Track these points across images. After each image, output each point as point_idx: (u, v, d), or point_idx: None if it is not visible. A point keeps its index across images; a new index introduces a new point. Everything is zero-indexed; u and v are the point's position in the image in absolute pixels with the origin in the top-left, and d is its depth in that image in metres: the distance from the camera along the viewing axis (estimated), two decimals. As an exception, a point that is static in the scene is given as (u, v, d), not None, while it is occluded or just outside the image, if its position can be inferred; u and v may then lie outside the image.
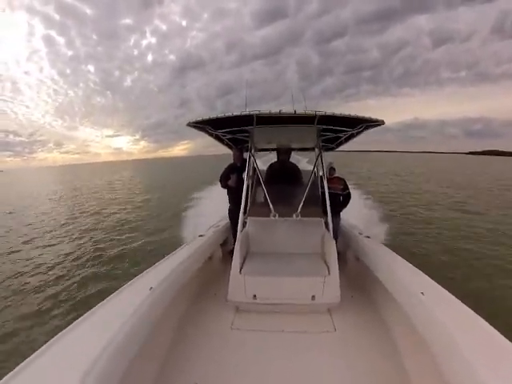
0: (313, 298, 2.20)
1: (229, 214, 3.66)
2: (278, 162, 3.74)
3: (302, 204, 2.71)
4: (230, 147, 3.69)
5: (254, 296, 2.26)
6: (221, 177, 3.55)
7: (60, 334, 1.24)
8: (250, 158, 3.13)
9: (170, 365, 1.73)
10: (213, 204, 7.95)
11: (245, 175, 3.04)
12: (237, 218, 3.02)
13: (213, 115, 2.21)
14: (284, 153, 3.67)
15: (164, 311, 1.77)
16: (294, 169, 3.68)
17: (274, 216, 2.69)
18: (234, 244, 3.55)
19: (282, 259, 2.60)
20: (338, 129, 2.77)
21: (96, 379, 0.99)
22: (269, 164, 3.79)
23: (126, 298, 1.61)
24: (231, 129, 2.89)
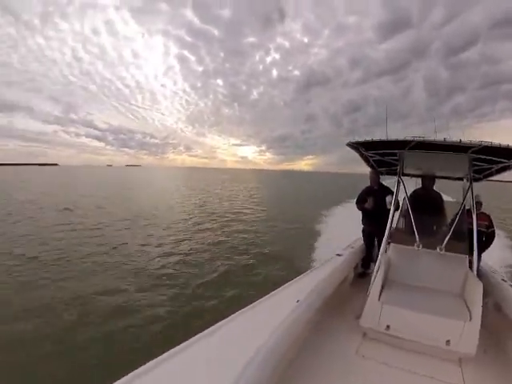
0: (447, 342, 1.99)
1: (363, 235, 3.65)
2: (422, 189, 3.58)
3: (447, 238, 2.57)
4: (373, 168, 3.69)
5: (388, 326, 2.13)
6: (357, 199, 3.61)
7: (209, 329, 1.32)
8: (398, 182, 3.11)
9: (293, 378, 1.67)
10: (344, 222, 8.79)
11: (390, 198, 3.07)
12: (371, 239, 3.18)
13: (368, 138, 2.41)
14: (429, 180, 3.53)
15: (305, 326, 1.77)
16: (438, 198, 3.51)
17: (418, 246, 2.58)
18: (363, 266, 3.60)
19: (421, 293, 2.46)
20: (492, 159, 2.59)
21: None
22: (412, 190, 3.66)
23: (274, 306, 1.75)
24: (382, 151, 2.90)
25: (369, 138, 2.41)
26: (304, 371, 1.79)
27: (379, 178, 3.60)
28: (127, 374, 0.97)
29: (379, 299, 2.25)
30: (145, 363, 1.03)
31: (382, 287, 2.42)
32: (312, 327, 2.16)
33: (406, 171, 3.69)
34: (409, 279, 2.69)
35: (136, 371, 0.99)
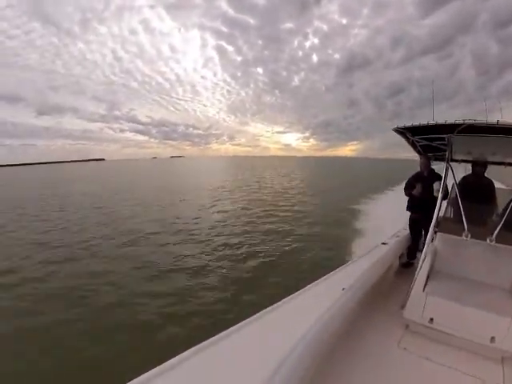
0: (492, 339, 1.90)
1: (409, 223, 3.58)
2: (472, 176, 3.37)
3: (499, 228, 2.39)
4: (420, 154, 3.56)
5: (431, 319, 2.08)
6: (406, 185, 3.52)
7: (255, 315, 1.37)
8: (446, 168, 2.95)
9: (333, 365, 1.71)
10: (390, 209, 8.85)
11: (438, 185, 2.94)
12: (417, 228, 3.13)
13: (416, 123, 2.33)
14: (480, 165, 3.30)
15: (349, 314, 1.80)
16: (490, 185, 3.27)
17: (467, 236, 2.44)
18: (409, 256, 3.52)
19: (468, 286, 2.35)
20: None
21: (288, 369, 1.02)
22: (461, 176, 3.49)
23: (320, 294, 1.78)
24: (429, 136, 2.78)
25: (416, 123, 2.31)
26: (344, 360, 1.80)
27: (429, 164, 3.42)
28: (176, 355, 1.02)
29: (424, 290, 2.20)
30: (188, 348, 1.08)
31: (428, 278, 2.35)
32: (355, 316, 2.18)
33: (455, 157, 3.43)
34: (455, 270, 2.58)
35: (182, 354, 1.04)
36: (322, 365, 1.32)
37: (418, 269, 2.36)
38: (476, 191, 3.01)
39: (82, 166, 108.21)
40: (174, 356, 1.01)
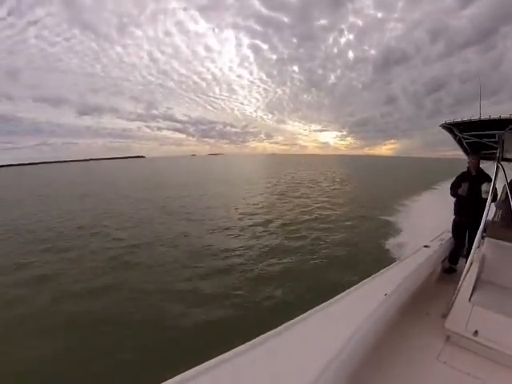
0: None
1: (452, 225, 3.38)
2: None
3: None
4: (466, 153, 3.38)
5: (476, 332, 1.91)
6: (452, 184, 3.33)
7: (296, 319, 1.34)
8: (497, 167, 2.74)
9: (370, 374, 1.62)
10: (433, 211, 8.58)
11: (486, 186, 2.75)
12: (462, 231, 2.93)
13: (465, 118, 2.23)
14: None
15: (391, 320, 1.73)
16: None
17: None
18: (451, 261, 3.29)
19: None
20: None
21: (334, 372, 1.01)
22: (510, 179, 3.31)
23: (362, 299, 1.73)
24: (478, 132, 2.60)
25: (465, 118, 2.19)
26: (381, 369, 1.74)
27: (479, 163, 3.17)
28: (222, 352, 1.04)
29: (470, 300, 2.05)
30: (236, 347, 1.09)
31: (474, 287, 2.21)
32: (396, 323, 2.09)
33: (507, 156, 3.16)
34: (504, 280, 2.40)
35: (226, 354, 1.04)
36: (360, 373, 1.29)
37: (462, 276, 2.21)
38: None
39: (127, 164, 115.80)
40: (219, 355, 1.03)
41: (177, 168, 56.91)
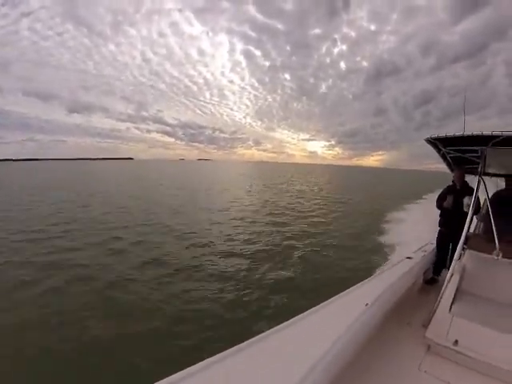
0: None
1: (437, 237, 3.45)
2: (506, 191, 3.28)
3: None
4: (449, 167, 3.47)
5: (456, 342, 1.95)
6: (438, 197, 3.42)
7: (275, 328, 1.33)
8: (478, 182, 2.83)
9: (351, 381, 1.58)
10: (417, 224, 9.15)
11: (468, 200, 2.82)
12: (446, 243, 3.02)
13: (449, 134, 2.28)
14: None
15: (371, 330, 1.70)
16: None
17: (498, 255, 2.32)
18: (434, 272, 3.35)
19: (497, 309, 2.23)
20: None
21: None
22: (495, 192, 3.40)
23: (343, 308, 1.71)
24: (461, 147, 2.68)
25: (449, 133, 2.24)
26: (361, 378, 1.70)
27: (463, 177, 3.27)
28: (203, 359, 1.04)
29: (450, 310, 2.08)
30: (219, 352, 1.08)
31: (454, 297, 2.25)
32: (377, 333, 2.08)
33: (488, 170, 3.27)
34: (484, 291, 2.45)
35: (210, 359, 1.04)
36: (340, 382, 1.26)
37: (443, 287, 2.25)
38: (509, 207, 2.85)
39: (119, 164, 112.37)
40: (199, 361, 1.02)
41: (178, 174, 54.25)
